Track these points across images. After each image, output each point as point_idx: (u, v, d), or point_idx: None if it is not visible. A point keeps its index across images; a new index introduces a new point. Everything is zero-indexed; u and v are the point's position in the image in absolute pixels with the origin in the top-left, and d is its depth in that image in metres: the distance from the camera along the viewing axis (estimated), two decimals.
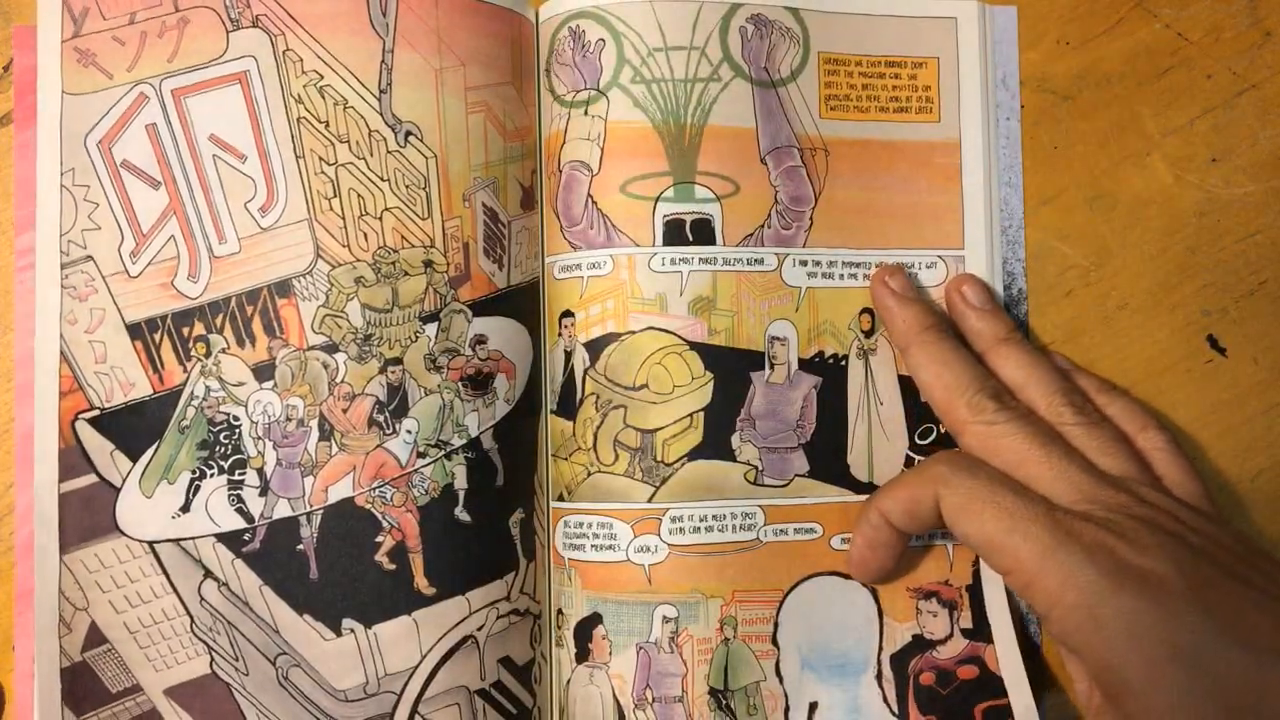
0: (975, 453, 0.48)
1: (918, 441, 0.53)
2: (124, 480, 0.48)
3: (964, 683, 0.51)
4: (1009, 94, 0.55)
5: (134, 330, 0.49)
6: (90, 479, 0.48)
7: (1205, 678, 0.39)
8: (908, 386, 0.52)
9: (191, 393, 0.49)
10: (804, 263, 0.52)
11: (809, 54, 0.53)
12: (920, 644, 0.52)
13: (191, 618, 0.48)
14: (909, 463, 0.52)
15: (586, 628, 0.51)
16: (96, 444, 0.48)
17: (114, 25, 0.49)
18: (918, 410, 0.53)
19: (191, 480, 0.48)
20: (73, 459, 0.48)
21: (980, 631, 0.52)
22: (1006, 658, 0.50)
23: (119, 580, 0.48)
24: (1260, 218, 0.55)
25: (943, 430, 0.52)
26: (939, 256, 0.53)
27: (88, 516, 0.48)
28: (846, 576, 0.51)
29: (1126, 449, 0.48)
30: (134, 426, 0.48)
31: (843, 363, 0.52)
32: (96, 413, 0.48)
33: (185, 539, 0.48)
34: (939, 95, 0.54)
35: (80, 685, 0.48)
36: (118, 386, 0.48)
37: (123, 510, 0.48)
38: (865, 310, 0.53)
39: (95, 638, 0.48)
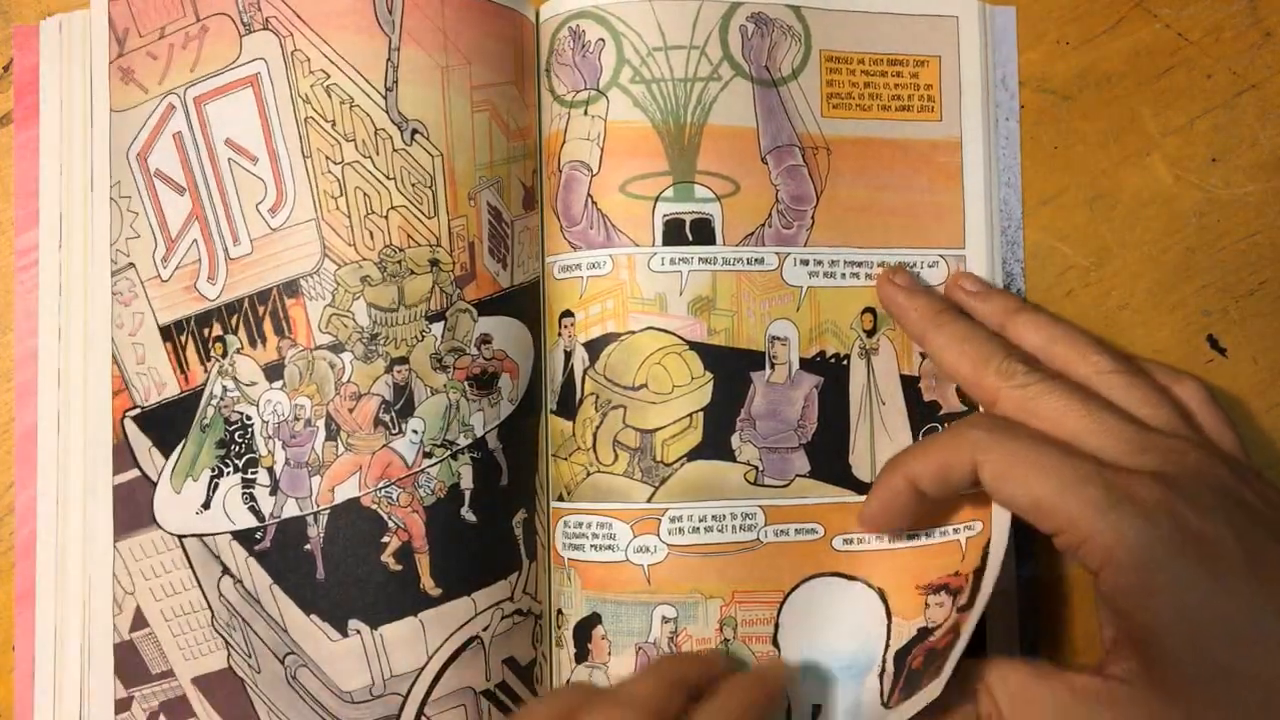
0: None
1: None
2: (159, 476, 0.50)
3: (937, 651, 0.49)
4: (1008, 94, 0.55)
5: (165, 332, 0.50)
6: (135, 473, 0.50)
7: (1253, 656, 0.38)
8: (910, 386, 0.52)
9: (211, 392, 0.49)
10: (805, 262, 0.52)
11: (810, 52, 0.53)
12: (922, 635, 0.51)
13: (212, 612, 0.50)
14: None
15: (586, 628, 0.51)
16: (138, 440, 0.50)
17: (148, 41, 0.51)
18: (920, 410, 0.53)
19: (211, 478, 0.49)
20: (122, 454, 0.50)
21: (971, 603, 0.49)
22: (973, 617, 0.47)
23: (156, 570, 0.50)
24: (1260, 218, 0.55)
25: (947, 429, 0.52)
26: (940, 256, 0.53)
27: (132, 508, 0.50)
28: (850, 578, 0.51)
29: (1167, 399, 0.46)
30: (166, 424, 0.50)
31: (844, 362, 0.52)
32: (138, 410, 0.50)
33: (207, 535, 0.49)
34: (940, 94, 0.54)
35: (127, 662, 0.50)
36: (153, 386, 0.50)
37: (158, 504, 0.50)
38: (867, 309, 0.53)
39: (140, 621, 0.50)
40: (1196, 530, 0.39)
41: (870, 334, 0.52)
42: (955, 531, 0.50)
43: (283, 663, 0.49)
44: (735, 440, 0.51)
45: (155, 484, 0.50)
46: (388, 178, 0.49)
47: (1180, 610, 0.39)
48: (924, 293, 0.51)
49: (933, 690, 0.44)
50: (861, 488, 0.52)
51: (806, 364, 0.52)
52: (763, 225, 0.51)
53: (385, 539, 0.48)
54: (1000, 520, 0.46)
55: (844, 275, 0.52)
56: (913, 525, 0.50)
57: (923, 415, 0.53)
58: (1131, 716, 0.40)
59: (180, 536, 0.50)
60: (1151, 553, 0.39)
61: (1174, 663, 0.39)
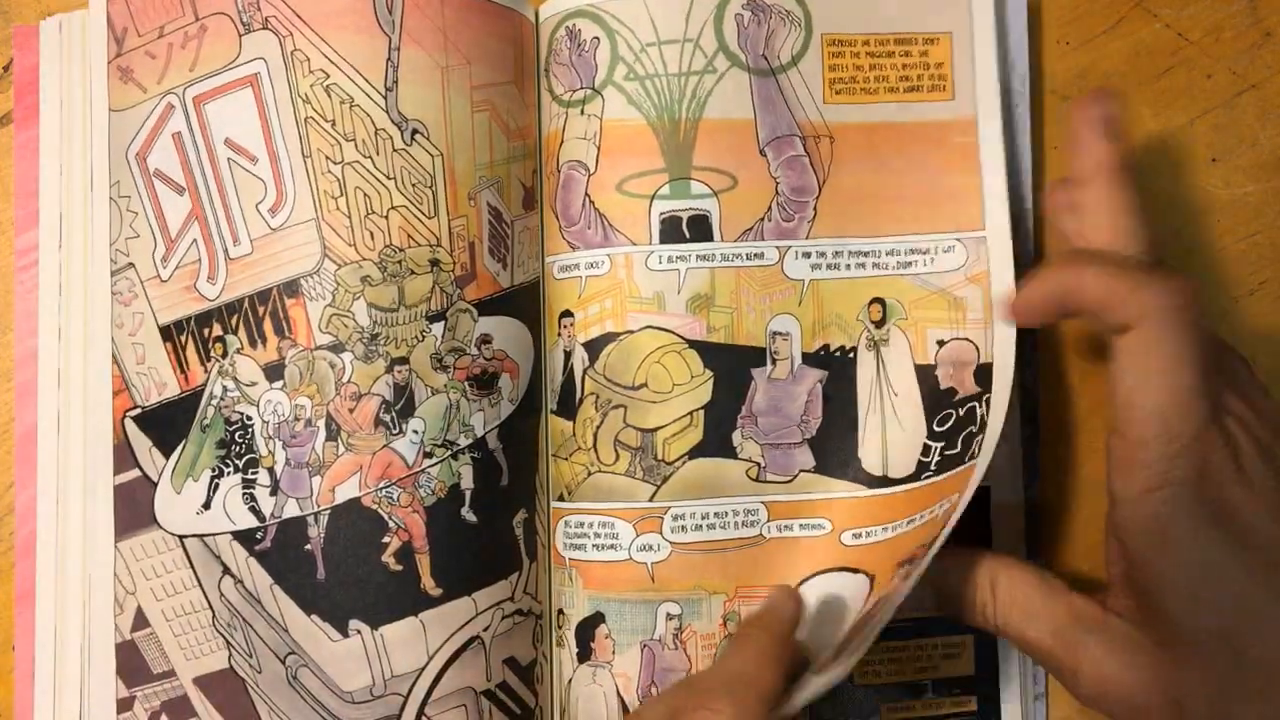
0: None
1: (935, 429, 0.51)
2: (159, 476, 0.50)
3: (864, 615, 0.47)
4: (1018, 78, 0.54)
5: (165, 332, 0.50)
6: (135, 473, 0.50)
7: (1262, 636, 0.38)
8: (926, 375, 0.51)
9: (211, 392, 0.50)
10: (807, 255, 0.51)
11: (811, 36, 0.52)
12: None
13: (213, 612, 0.50)
14: (926, 451, 0.51)
15: (588, 627, 0.50)
16: (139, 440, 0.50)
17: (147, 40, 0.51)
18: (937, 397, 0.51)
19: (211, 478, 0.49)
20: (123, 454, 0.50)
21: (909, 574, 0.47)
22: (899, 589, 0.46)
23: (157, 570, 0.50)
24: (1260, 218, 0.55)
25: (961, 414, 0.51)
26: (957, 239, 0.52)
27: (133, 508, 0.50)
28: (856, 571, 0.50)
29: None
30: (167, 424, 0.50)
31: (850, 355, 0.52)
32: (139, 410, 0.50)
33: (207, 535, 0.49)
34: (952, 71, 0.52)
35: (129, 662, 0.50)
36: (153, 386, 0.50)
37: (159, 504, 0.50)
38: (875, 300, 0.52)
39: (141, 621, 0.50)
40: (1234, 507, 0.39)
41: (879, 325, 0.52)
42: (940, 507, 0.48)
43: (284, 663, 0.49)
44: (737, 437, 0.51)
45: (156, 484, 0.50)
46: (388, 178, 0.49)
47: (1193, 577, 0.39)
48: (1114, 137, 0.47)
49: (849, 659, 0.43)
50: (873, 481, 0.51)
51: (810, 358, 0.51)
52: (762, 219, 0.51)
53: (386, 539, 0.48)
54: (966, 495, 0.45)
55: (849, 266, 0.52)
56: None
57: (939, 402, 0.51)
58: (1125, 653, 0.41)
59: (181, 536, 0.49)
60: (1189, 520, 0.39)
61: (1175, 621, 0.39)
